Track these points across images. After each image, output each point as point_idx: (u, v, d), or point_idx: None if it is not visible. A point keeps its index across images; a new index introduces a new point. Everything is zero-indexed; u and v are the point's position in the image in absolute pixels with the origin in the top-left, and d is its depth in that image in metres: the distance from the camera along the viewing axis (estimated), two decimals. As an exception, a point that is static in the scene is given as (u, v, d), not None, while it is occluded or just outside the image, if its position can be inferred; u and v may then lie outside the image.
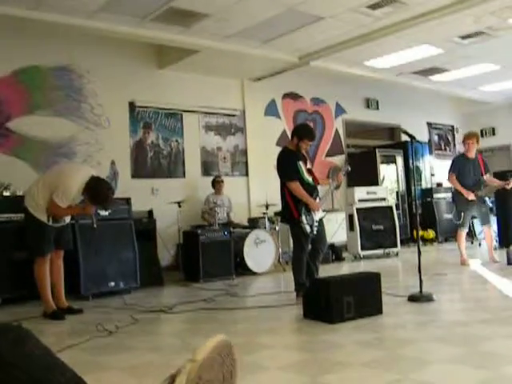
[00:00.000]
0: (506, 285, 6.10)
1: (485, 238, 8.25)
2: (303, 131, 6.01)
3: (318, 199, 5.89)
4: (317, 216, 5.78)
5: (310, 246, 5.84)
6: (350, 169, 6.35)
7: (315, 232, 5.75)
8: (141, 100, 9.14)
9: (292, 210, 5.74)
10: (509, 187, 7.76)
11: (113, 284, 6.79)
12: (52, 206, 5.32)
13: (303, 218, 5.66)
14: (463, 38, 8.86)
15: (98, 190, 5.35)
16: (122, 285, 6.87)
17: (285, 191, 5.82)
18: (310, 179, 5.89)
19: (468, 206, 7.80)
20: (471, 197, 7.69)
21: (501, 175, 8.76)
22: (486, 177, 7.87)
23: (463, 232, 7.99)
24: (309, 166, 6.01)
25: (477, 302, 5.45)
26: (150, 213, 7.89)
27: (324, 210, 5.99)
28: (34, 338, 1.82)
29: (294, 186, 5.71)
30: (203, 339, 4.01)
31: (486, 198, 7.99)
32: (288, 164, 5.83)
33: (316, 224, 5.75)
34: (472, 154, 7.89)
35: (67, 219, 5.73)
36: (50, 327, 5.08)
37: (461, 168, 7.89)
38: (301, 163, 5.85)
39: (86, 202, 5.48)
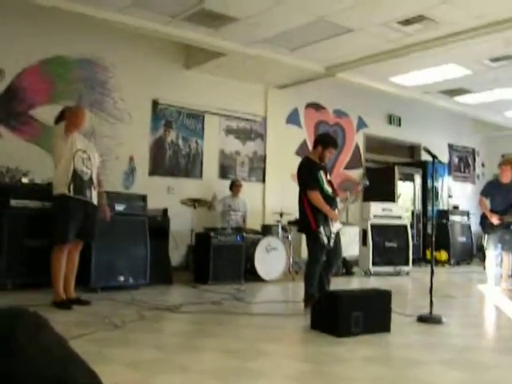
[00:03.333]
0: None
1: (501, 263, 8.13)
2: (329, 139, 6.04)
3: (336, 211, 5.86)
4: (334, 228, 5.74)
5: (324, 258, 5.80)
6: (368, 183, 6.32)
7: (332, 244, 5.73)
8: (164, 98, 9.17)
9: (310, 220, 5.70)
10: None
11: (122, 279, 6.80)
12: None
13: (321, 228, 5.62)
14: (492, 60, 8.79)
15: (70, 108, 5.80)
16: (132, 280, 6.87)
17: (304, 201, 5.78)
18: (329, 190, 5.86)
19: (491, 230, 7.75)
20: (495, 221, 7.63)
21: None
22: None
23: (489, 255, 7.90)
24: (329, 177, 5.98)
25: (486, 329, 5.39)
26: (165, 211, 7.90)
27: (341, 223, 5.96)
28: (50, 325, 1.81)
29: (315, 195, 5.67)
30: (206, 340, 4.01)
31: None
32: (310, 173, 5.80)
33: (333, 236, 5.72)
34: (505, 180, 7.83)
35: (94, 196, 5.69)
36: (58, 316, 5.08)
37: (492, 192, 7.87)
38: (321, 173, 5.83)
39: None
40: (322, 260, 5.76)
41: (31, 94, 7.81)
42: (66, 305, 5.43)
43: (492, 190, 7.95)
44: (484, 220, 7.93)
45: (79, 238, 5.67)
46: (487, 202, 7.96)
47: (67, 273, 5.65)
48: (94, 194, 5.71)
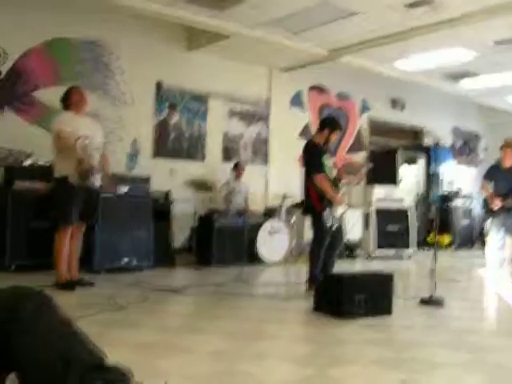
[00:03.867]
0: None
1: (503, 247, 8.12)
2: (334, 122, 6.05)
3: (340, 194, 5.87)
4: (338, 211, 5.76)
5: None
6: (371, 167, 6.31)
7: (335, 227, 5.74)
8: (168, 80, 9.13)
9: (315, 203, 5.70)
10: None
11: (126, 260, 6.83)
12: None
13: (326, 211, 5.63)
14: (497, 43, 8.72)
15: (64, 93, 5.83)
16: (135, 262, 6.91)
17: (309, 183, 5.79)
18: (333, 174, 5.88)
19: (495, 214, 7.76)
20: (495, 205, 7.64)
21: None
22: None
23: (491, 239, 7.90)
24: (333, 160, 5.98)
25: (488, 312, 5.42)
26: (168, 194, 7.91)
27: (345, 206, 5.97)
28: (56, 305, 1.84)
29: (320, 179, 5.67)
30: (209, 322, 4.05)
31: None
32: (315, 157, 5.80)
33: (337, 219, 5.74)
34: (507, 163, 7.82)
35: (97, 179, 5.72)
36: (61, 297, 5.08)
37: (494, 176, 7.86)
38: (326, 157, 5.84)
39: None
40: (325, 242, 5.77)
41: (35, 75, 7.78)
42: (69, 286, 5.46)
43: (494, 173, 7.96)
44: (486, 204, 7.95)
45: (82, 220, 5.70)
46: (489, 186, 7.95)
47: (70, 254, 5.69)
48: (97, 177, 5.73)
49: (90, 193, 5.66)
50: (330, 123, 6.00)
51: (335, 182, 5.84)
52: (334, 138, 5.98)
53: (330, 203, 5.66)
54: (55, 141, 5.55)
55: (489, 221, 7.95)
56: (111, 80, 8.52)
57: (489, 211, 7.90)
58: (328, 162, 5.84)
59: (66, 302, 4.86)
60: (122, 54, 8.56)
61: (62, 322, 1.85)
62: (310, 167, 5.80)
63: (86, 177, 5.49)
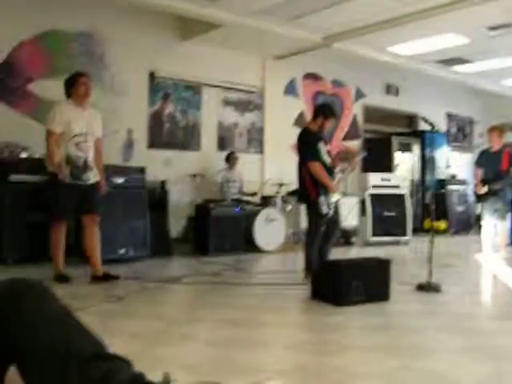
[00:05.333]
0: (514, 281, 6.08)
1: (496, 232, 8.17)
2: (328, 110, 6.03)
3: (335, 181, 5.88)
4: (334, 198, 5.76)
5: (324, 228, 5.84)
6: (366, 154, 6.33)
7: (331, 214, 5.76)
8: (161, 70, 9.10)
9: (310, 190, 5.71)
10: None
11: (123, 251, 6.84)
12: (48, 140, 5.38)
13: (321, 198, 5.63)
14: (491, 29, 8.73)
15: (68, 77, 5.68)
16: (132, 253, 6.92)
17: (303, 171, 5.79)
18: (328, 161, 5.88)
19: (482, 200, 7.80)
20: (480, 190, 7.68)
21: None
22: None
23: (485, 224, 7.93)
24: (328, 147, 5.99)
25: (484, 296, 5.45)
26: (164, 183, 7.91)
27: (340, 193, 5.99)
28: (55, 296, 1.85)
29: (315, 166, 5.67)
30: (207, 311, 4.06)
31: (505, 194, 7.91)
32: (310, 144, 5.80)
33: (332, 206, 5.75)
34: (495, 147, 7.84)
35: (92, 175, 5.56)
36: (58, 290, 5.09)
37: (484, 161, 7.89)
38: (321, 145, 5.84)
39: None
40: (321, 230, 5.79)
41: (28, 68, 7.74)
42: (64, 278, 5.44)
43: (484, 158, 8.02)
44: (475, 190, 8.01)
45: (88, 212, 5.58)
46: (480, 172, 7.99)
47: (90, 249, 5.57)
48: (92, 173, 5.57)
49: (85, 188, 5.48)
50: (324, 110, 5.99)
51: (330, 170, 5.84)
52: (329, 125, 5.97)
53: (325, 190, 5.67)
54: (46, 138, 5.42)
55: (479, 206, 8.00)
56: (105, 71, 8.48)
57: (478, 197, 7.96)
58: (323, 149, 5.84)
59: (64, 294, 4.88)
60: (115, 45, 8.51)
61: (62, 312, 1.86)
62: (305, 155, 5.80)
63: (75, 176, 5.37)
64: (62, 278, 5.43)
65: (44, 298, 1.81)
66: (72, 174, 5.35)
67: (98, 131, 5.74)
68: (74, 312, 1.91)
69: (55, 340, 1.69)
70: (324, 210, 5.66)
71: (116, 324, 3.90)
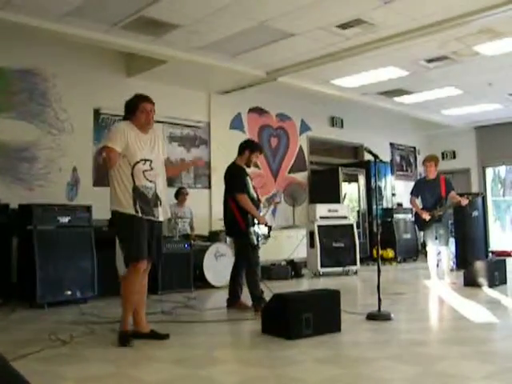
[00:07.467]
0: (461, 306, 6.18)
1: (441, 259, 8.33)
2: (254, 145, 6.45)
3: (261, 214, 6.18)
4: (261, 230, 6.03)
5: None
6: (279, 202, 6.76)
7: (260, 245, 6.01)
8: (107, 107, 9.03)
9: (239, 222, 5.96)
10: (463, 204, 7.94)
11: (69, 293, 6.66)
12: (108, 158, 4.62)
13: (250, 229, 5.90)
14: (428, 61, 9.03)
15: (129, 100, 4.91)
16: (79, 294, 6.75)
17: (230, 204, 6.04)
18: (255, 195, 6.17)
19: (425, 227, 7.99)
20: (425, 216, 7.86)
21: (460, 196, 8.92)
22: (451, 194, 7.98)
23: (429, 251, 8.08)
24: (253, 183, 6.29)
25: (433, 322, 5.52)
26: (111, 222, 7.76)
27: (268, 226, 6.22)
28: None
29: (244, 198, 5.96)
30: (157, 351, 3.98)
31: (447, 220, 8.17)
32: (238, 178, 6.10)
33: (261, 238, 6.01)
34: (431, 176, 8.09)
35: (161, 215, 4.74)
36: (1, 336, 4.94)
37: (421, 190, 8.13)
38: (248, 179, 6.16)
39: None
40: (257, 260, 6.04)
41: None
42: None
43: (420, 188, 8.25)
44: (418, 218, 8.20)
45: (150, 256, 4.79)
46: (418, 201, 8.21)
47: (136, 302, 4.74)
48: (161, 209, 4.77)
49: (154, 226, 4.75)
50: (250, 145, 6.36)
51: (256, 203, 6.11)
52: (255, 158, 6.34)
53: (253, 222, 5.95)
54: (103, 159, 4.76)
55: (422, 234, 8.20)
56: (49, 108, 8.37)
57: (421, 225, 8.14)
58: (250, 183, 6.15)
59: (8, 341, 4.72)
60: (59, 82, 8.43)
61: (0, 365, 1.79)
62: (234, 188, 6.07)
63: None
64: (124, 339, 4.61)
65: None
66: (142, 208, 4.62)
67: (162, 157, 5.17)
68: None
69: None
70: (254, 240, 5.92)
71: (62, 369, 3.75)
